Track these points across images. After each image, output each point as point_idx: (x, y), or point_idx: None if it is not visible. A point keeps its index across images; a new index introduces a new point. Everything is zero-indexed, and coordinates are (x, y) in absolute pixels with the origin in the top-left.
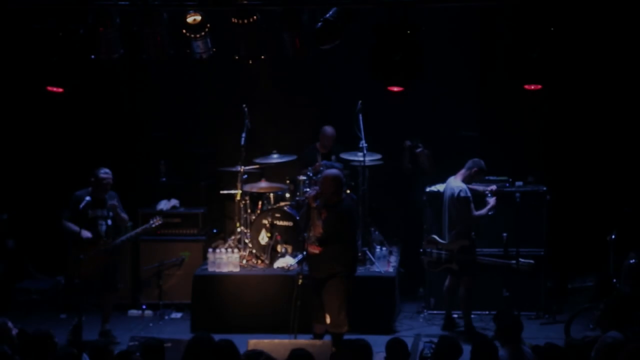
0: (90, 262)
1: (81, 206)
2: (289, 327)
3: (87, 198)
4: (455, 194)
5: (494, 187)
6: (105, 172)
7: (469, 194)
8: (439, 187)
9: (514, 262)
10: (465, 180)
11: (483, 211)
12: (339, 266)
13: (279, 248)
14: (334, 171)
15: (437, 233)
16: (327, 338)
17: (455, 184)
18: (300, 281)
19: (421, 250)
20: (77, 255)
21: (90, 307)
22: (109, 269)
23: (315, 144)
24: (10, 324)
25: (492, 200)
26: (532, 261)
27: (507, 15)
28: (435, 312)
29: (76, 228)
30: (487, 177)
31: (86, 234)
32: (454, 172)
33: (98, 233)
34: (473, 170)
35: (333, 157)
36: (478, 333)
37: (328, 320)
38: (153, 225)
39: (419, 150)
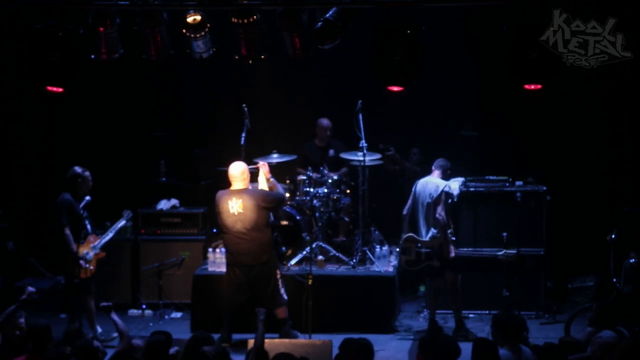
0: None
1: (81, 206)
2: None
3: (87, 198)
4: (440, 190)
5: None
6: (87, 172)
7: (452, 191)
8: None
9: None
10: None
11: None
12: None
13: None
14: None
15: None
16: (326, 338)
17: (436, 181)
18: (310, 281)
19: (398, 250)
20: (76, 256)
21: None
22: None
23: (314, 141)
24: (22, 320)
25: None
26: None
27: (507, 15)
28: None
29: (74, 247)
30: (487, 177)
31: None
32: (454, 172)
33: (87, 233)
34: (447, 172)
35: (331, 152)
36: (470, 331)
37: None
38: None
39: (389, 153)
